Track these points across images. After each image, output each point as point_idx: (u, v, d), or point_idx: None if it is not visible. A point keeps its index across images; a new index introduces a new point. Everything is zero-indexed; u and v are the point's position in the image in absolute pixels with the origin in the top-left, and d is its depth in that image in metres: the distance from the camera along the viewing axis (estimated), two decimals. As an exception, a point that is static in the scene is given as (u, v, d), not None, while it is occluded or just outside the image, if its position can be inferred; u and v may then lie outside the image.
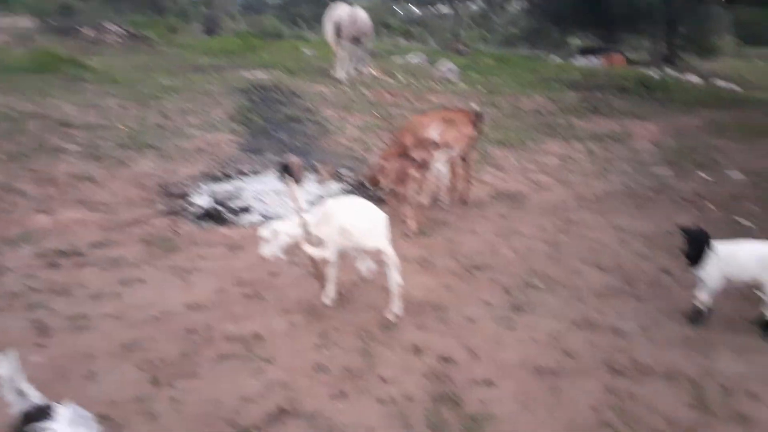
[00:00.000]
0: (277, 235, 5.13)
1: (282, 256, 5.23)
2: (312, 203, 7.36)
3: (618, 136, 12.45)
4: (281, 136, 11.19)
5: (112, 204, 7.55)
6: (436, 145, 7.69)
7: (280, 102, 13.32)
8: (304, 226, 5.06)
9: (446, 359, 4.64)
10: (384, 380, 4.36)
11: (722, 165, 10.54)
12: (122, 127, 10.49)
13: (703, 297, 5.18)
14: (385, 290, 5.24)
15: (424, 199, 7.92)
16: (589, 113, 14.57)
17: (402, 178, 7.37)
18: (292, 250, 5.33)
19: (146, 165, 9.00)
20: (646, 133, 12.97)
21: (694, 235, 5.15)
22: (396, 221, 7.33)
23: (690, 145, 11.95)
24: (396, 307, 5.15)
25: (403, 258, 6.39)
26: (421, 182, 7.83)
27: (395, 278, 5.08)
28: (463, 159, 8.21)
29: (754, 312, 5.38)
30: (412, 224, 7.17)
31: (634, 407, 4.17)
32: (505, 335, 5.03)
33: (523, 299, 5.65)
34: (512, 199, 8.65)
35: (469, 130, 8.00)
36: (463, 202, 8.29)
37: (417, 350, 4.75)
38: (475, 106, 8.90)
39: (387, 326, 5.08)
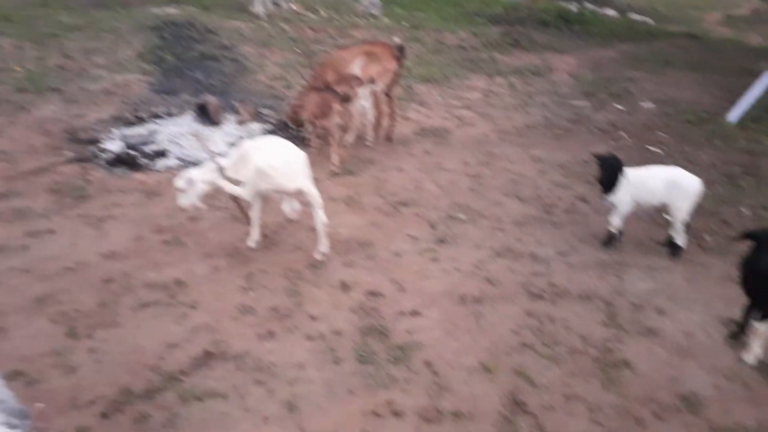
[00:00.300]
0: (193, 183, 4.92)
1: (200, 205, 5.04)
2: (232, 145, 7.11)
3: (538, 70, 12.62)
4: (197, 76, 10.61)
5: (13, 152, 6.98)
6: (358, 81, 7.53)
7: (195, 39, 12.55)
8: (220, 170, 4.88)
9: (374, 294, 4.70)
10: (312, 318, 4.38)
11: (635, 96, 10.93)
12: (18, 68, 9.64)
13: (615, 221, 5.45)
14: (312, 231, 5.19)
15: (350, 138, 7.81)
16: (511, 48, 14.64)
17: (325, 112, 7.19)
18: (214, 194, 5.15)
19: (49, 110, 8.34)
20: (565, 66, 13.21)
21: (607, 163, 5.34)
22: (320, 161, 7.23)
23: (606, 77, 12.28)
24: (323, 246, 5.12)
25: (329, 197, 6.34)
26: (345, 118, 7.70)
27: (320, 218, 5.03)
28: (387, 95, 8.10)
29: (663, 234, 5.73)
30: (335, 159, 7.07)
31: (552, 328, 4.40)
32: (430, 267, 5.13)
33: (447, 232, 5.76)
34: (436, 135, 8.67)
35: (392, 64, 7.86)
36: (389, 139, 8.24)
37: (345, 287, 4.77)
38: (397, 40, 8.70)
39: (315, 266, 5.06)
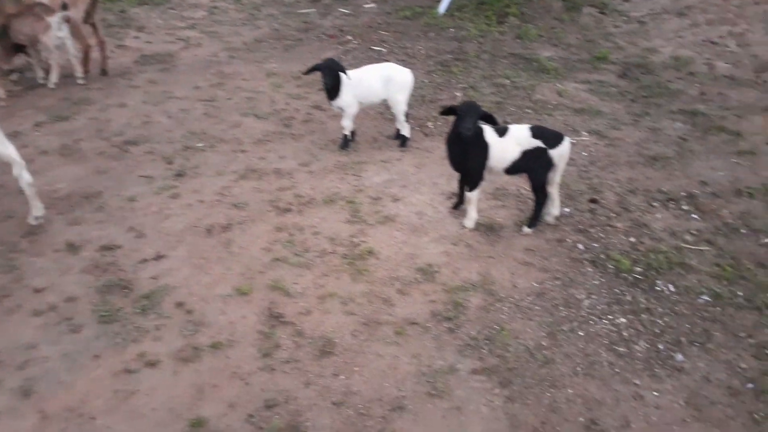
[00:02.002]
0: None
1: None
2: None
3: (262, -20, 12.18)
4: None
5: None
6: (47, 9, 6.48)
7: None
8: None
9: (108, 248, 4.29)
10: (37, 291, 3.86)
11: (358, -3, 11.21)
12: None
13: (346, 124, 5.64)
14: (23, 194, 4.48)
15: (54, 77, 6.79)
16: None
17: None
18: None
19: None
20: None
21: (327, 70, 5.35)
22: (16, 110, 6.22)
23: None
24: (36, 210, 4.46)
25: (38, 151, 5.53)
26: (35, 55, 6.71)
27: (24, 178, 4.34)
28: (90, 23, 7.13)
29: (392, 128, 6.12)
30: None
31: (302, 237, 4.49)
32: (170, 205, 4.83)
33: (185, 164, 5.43)
34: (161, 61, 7.97)
35: (85, -13, 6.88)
36: (104, 72, 7.34)
37: (73, 248, 4.27)
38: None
39: (32, 233, 4.42)
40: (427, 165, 5.54)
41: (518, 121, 6.37)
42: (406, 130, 5.77)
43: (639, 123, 6.49)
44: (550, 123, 6.38)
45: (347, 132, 5.69)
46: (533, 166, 4.29)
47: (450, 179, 5.17)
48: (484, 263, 4.25)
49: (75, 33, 6.93)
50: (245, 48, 8.58)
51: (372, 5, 10.87)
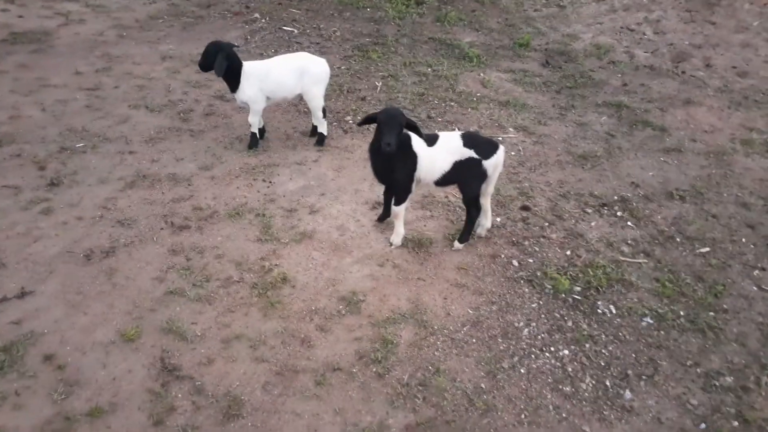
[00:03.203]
0: None
1: None
2: None
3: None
4: None
5: None
6: None
7: None
8: None
9: (-45, 284, 3.47)
10: None
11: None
12: None
13: (253, 120, 4.97)
14: None
15: None
16: None
17: None
18: None
19: None
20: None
21: (214, 55, 4.60)
22: None
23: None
24: None
25: None
26: None
27: None
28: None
29: (308, 124, 5.50)
30: None
31: (202, 261, 3.84)
32: (40, 224, 4.01)
33: (61, 170, 4.59)
34: (35, 40, 6.86)
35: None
36: None
37: None
38: None
39: None
40: (348, 168, 4.98)
41: (442, 115, 5.94)
42: (323, 127, 5.18)
43: (565, 117, 6.23)
44: (476, 117, 5.99)
45: (255, 129, 5.02)
46: (466, 177, 3.85)
47: (374, 185, 4.65)
48: (414, 287, 3.78)
49: None
50: (137, 26, 7.59)
51: (281, -21, 10.03)
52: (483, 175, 3.84)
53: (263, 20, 8.00)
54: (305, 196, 4.57)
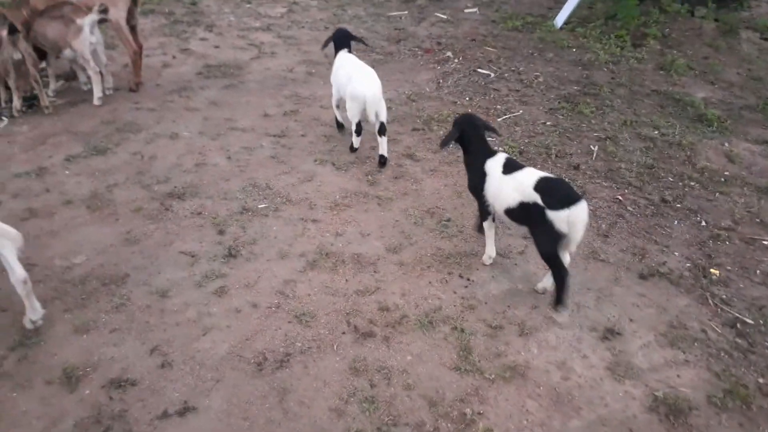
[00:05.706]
0: None
1: None
2: None
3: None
4: None
5: None
6: (78, 10, 5.36)
7: None
8: None
9: (119, 383, 3.02)
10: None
11: None
12: None
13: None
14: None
15: (98, 92, 5.67)
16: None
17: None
18: None
19: None
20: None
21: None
22: (43, 137, 5.09)
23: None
24: (32, 312, 3.27)
25: (64, 199, 4.38)
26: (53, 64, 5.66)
27: (17, 273, 3.15)
28: (131, 27, 5.95)
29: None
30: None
31: (388, 392, 3.08)
32: (212, 308, 3.52)
33: (240, 237, 4.14)
34: (227, 74, 6.73)
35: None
36: (134, 88, 6.12)
37: (71, 379, 3.03)
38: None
39: (23, 343, 3.23)
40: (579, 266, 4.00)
41: (681, 200, 4.73)
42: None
43: None
44: (727, 207, 4.70)
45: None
46: (532, 225, 3.46)
47: (600, 301, 3.62)
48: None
49: (121, 37, 5.78)
50: (326, 61, 7.22)
51: (473, 9, 9.31)
52: (551, 228, 3.24)
53: (456, 60, 7.27)
54: (512, 306, 3.66)
